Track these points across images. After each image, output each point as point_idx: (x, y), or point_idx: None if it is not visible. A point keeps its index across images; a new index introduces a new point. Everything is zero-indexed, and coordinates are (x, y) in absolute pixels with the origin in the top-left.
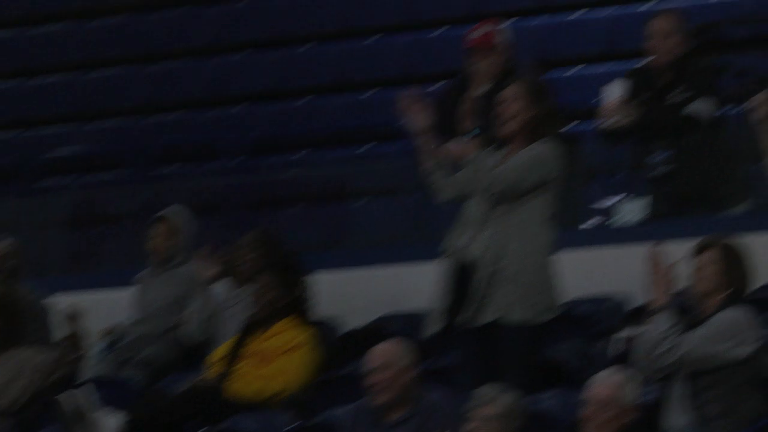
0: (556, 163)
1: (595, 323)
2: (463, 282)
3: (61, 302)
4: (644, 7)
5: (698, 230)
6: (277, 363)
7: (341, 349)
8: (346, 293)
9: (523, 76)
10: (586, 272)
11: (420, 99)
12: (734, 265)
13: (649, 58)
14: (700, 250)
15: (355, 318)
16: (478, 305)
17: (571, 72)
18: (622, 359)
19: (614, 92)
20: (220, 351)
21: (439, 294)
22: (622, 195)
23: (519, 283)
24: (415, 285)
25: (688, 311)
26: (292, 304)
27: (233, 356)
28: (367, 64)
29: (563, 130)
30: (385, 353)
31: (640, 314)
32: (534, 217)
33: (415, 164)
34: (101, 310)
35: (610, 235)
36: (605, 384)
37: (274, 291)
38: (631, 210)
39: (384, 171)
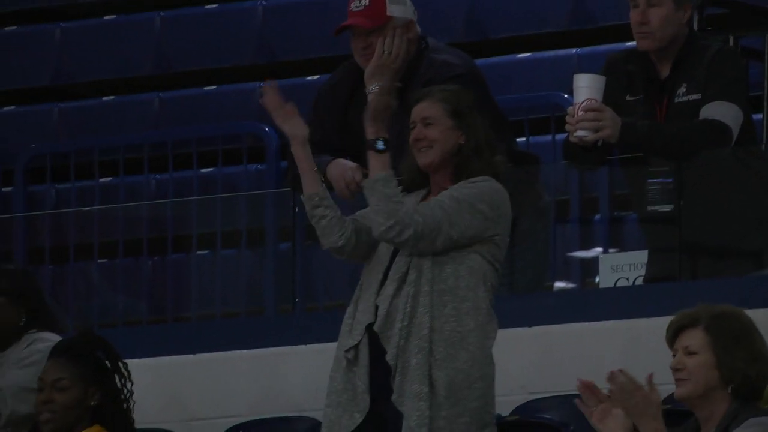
0: (502, 212)
1: None
2: (367, 378)
3: None
4: None
5: (716, 296)
6: None
7: None
8: (183, 390)
9: (442, 74)
10: (551, 360)
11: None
12: (729, 347)
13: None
14: (678, 330)
15: (200, 429)
16: (389, 414)
17: (523, 57)
18: None
19: (585, 89)
20: None
21: (329, 395)
22: (606, 245)
23: (444, 381)
24: (290, 378)
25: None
26: (96, 408)
27: None
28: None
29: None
30: None
31: None
32: (468, 282)
33: (287, 194)
34: None
35: (586, 304)
36: None
37: (70, 390)
38: (618, 267)
39: (236, 205)
